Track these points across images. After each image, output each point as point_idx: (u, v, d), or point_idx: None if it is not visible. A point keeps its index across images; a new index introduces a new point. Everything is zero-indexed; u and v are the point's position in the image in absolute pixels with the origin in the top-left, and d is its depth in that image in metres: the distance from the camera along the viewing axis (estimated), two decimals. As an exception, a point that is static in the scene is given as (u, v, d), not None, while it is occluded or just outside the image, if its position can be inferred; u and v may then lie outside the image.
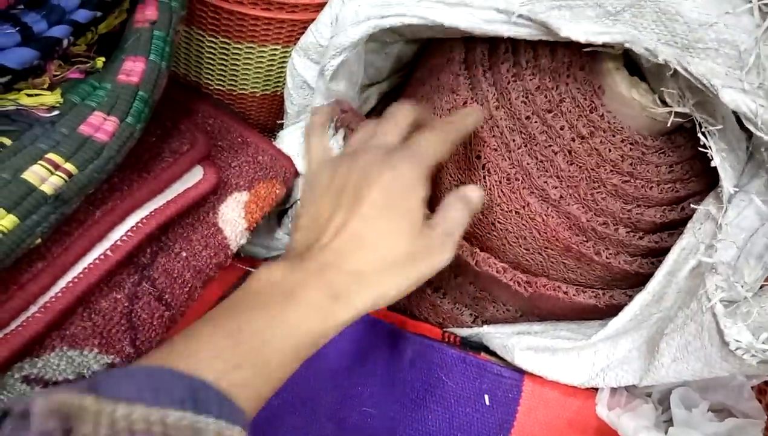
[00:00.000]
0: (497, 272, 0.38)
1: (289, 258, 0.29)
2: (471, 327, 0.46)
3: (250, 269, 0.51)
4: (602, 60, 0.39)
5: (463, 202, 0.33)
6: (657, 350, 0.35)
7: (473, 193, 0.34)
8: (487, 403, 0.43)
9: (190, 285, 0.37)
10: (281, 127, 0.52)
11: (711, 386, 0.37)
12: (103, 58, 0.36)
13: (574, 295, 0.38)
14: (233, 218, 0.41)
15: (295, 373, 0.28)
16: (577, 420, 0.41)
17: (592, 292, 0.38)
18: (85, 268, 0.32)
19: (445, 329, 0.47)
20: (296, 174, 0.48)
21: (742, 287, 0.34)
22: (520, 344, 0.41)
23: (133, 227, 0.35)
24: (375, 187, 0.29)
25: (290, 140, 0.49)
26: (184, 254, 0.38)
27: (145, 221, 0.35)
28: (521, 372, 0.43)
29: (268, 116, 0.55)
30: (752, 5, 0.34)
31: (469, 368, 0.44)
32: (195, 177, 0.40)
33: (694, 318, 0.34)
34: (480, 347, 0.45)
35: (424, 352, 0.45)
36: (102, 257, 0.33)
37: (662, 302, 0.37)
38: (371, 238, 0.29)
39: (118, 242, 0.34)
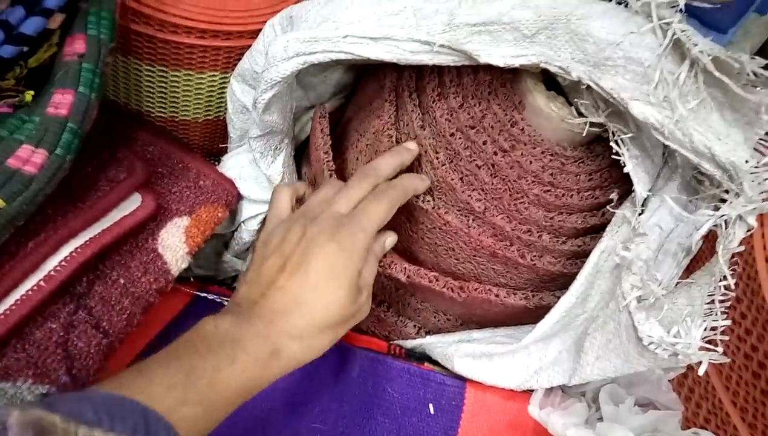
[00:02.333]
0: (429, 281, 0.40)
1: (236, 311, 0.32)
2: (415, 338, 0.47)
3: (199, 294, 0.51)
4: (522, 77, 0.41)
5: (375, 255, 0.37)
6: (582, 350, 0.37)
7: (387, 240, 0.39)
8: (432, 412, 0.44)
9: (128, 312, 0.38)
10: (225, 150, 0.53)
11: (635, 381, 0.39)
12: (32, 92, 0.36)
13: (505, 297, 0.40)
14: (173, 242, 0.42)
15: None
16: (517, 422, 0.42)
17: (522, 294, 0.40)
18: (17, 299, 0.32)
19: (390, 342, 0.48)
20: (239, 197, 0.49)
21: (658, 285, 0.36)
22: (458, 351, 0.42)
23: (66, 256, 0.35)
24: (319, 257, 0.33)
25: (233, 163, 0.50)
26: (121, 280, 0.38)
27: (79, 250, 0.36)
28: (463, 380, 0.44)
29: (212, 141, 0.56)
30: (653, 25, 0.36)
31: (414, 378, 0.45)
32: (133, 204, 0.41)
33: (612, 317, 0.36)
34: (424, 357, 0.46)
35: (370, 365, 0.46)
36: (35, 287, 0.33)
37: (587, 304, 0.39)
38: (310, 302, 0.32)
39: (52, 272, 0.34)
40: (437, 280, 0.40)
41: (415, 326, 0.47)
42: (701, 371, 0.32)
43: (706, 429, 0.35)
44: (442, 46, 0.37)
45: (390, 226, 0.38)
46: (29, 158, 0.33)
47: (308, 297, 0.32)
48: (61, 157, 0.34)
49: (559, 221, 0.40)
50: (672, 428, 0.35)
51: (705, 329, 0.33)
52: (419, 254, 0.42)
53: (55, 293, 0.34)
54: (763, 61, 0.33)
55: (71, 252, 0.35)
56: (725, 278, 0.34)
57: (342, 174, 0.46)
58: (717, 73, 0.34)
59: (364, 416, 0.45)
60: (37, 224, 0.35)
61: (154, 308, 0.41)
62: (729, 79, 0.34)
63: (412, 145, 0.40)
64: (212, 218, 0.46)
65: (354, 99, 0.50)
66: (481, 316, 0.43)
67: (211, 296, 0.51)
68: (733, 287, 0.34)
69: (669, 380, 0.38)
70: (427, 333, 0.47)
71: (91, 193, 0.39)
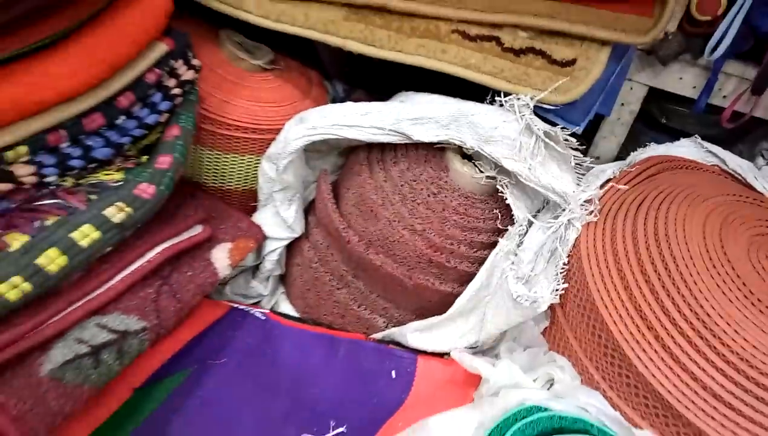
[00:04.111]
0: (391, 269, 0.60)
1: None
2: (384, 330, 0.67)
3: (234, 305, 0.72)
4: (446, 151, 0.65)
5: None
6: (485, 315, 0.57)
7: None
8: (394, 376, 0.62)
9: (192, 292, 0.59)
10: (255, 208, 0.76)
11: (520, 336, 0.58)
12: (147, 157, 0.60)
13: (439, 285, 0.60)
14: (221, 256, 0.64)
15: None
16: (452, 378, 0.60)
17: (449, 285, 0.61)
18: (129, 273, 0.54)
19: (367, 336, 0.67)
20: (264, 236, 0.72)
21: (531, 270, 0.57)
22: (409, 328, 0.62)
23: (158, 252, 0.57)
24: None
25: (260, 215, 0.73)
26: (189, 273, 0.60)
27: (166, 250, 0.58)
28: (416, 353, 0.63)
29: (247, 203, 0.79)
30: (516, 117, 0.61)
31: (382, 354, 0.64)
32: (196, 231, 0.63)
33: (501, 289, 0.56)
34: (390, 342, 0.66)
35: (351, 348, 0.65)
36: (140, 267, 0.55)
37: (489, 288, 0.59)
38: None
39: (149, 260, 0.56)
40: (396, 269, 0.61)
41: (384, 321, 0.67)
42: (544, 307, 0.52)
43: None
44: (391, 130, 0.62)
45: (381, 236, 0.60)
46: (146, 190, 0.56)
47: None
48: (163, 191, 0.57)
49: (471, 237, 0.62)
50: (540, 359, 0.54)
51: (553, 291, 0.54)
52: (389, 256, 0.63)
53: (153, 272, 0.56)
54: (566, 135, 0.57)
55: (162, 250, 0.57)
56: (566, 262, 0.55)
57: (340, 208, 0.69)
58: (548, 141, 0.57)
59: (348, 383, 0.63)
60: (142, 233, 0.57)
61: (204, 310, 0.62)
62: (555, 144, 0.57)
63: None
64: (247, 246, 0.68)
65: (343, 170, 0.75)
66: (425, 301, 0.63)
67: (242, 307, 0.71)
68: (567, 265, 0.55)
69: (541, 332, 0.57)
70: (393, 326, 0.66)
71: (175, 220, 0.62)
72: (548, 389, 0.52)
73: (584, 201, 0.57)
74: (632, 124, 0.80)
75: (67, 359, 0.46)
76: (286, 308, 0.77)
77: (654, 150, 0.70)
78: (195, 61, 0.65)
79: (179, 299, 0.57)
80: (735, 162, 0.68)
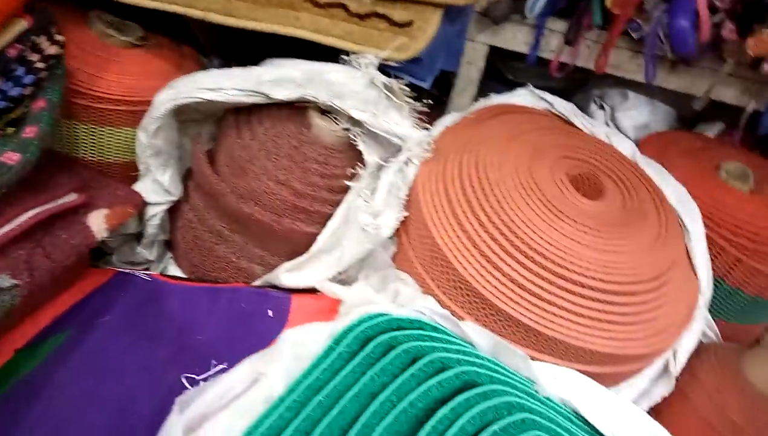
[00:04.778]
0: (261, 216, 0.66)
1: None
2: (262, 276, 0.73)
3: (121, 270, 0.75)
4: (307, 108, 0.72)
5: None
6: (343, 248, 0.64)
7: None
8: (271, 315, 0.68)
9: (67, 252, 0.62)
10: (136, 178, 0.80)
11: (374, 263, 0.66)
12: (14, 129, 0.63)
13: (306, 227, 0.67)
14: (97, 221, 0.68)
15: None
16: (321, 310, 0.67)
17: (314, 226, 0.67)
18: (3, 233, 0.57)
19: (247, 283, 0.73)
20: (144, 203, 0.76)
21: (380, 207, 0.65)
22: (281, 270, 0.68)
23: (31, 216, 0.60)
24: None
25: (140, 185, 0.77)
26: (64, 235, 0.63)
27: (37, 214, 0.61)
28: (291, 292, 0.70)
29: (128, 176, 0.83)
30: (362, 73, 0.68)
31: (259, 297, 0.70)
32: (71, 198, 0.67)
33: (353, 222, 0.64)
34: (269, 286, 0.72)
35: (232, 296, 0.71)
36: (13, 228, 0.58)
37: (347, 225, 0.66)
38: None
39: (20, 223, 0.59)
40: (266, 215, 0.66)
41: (262, 269, 0.73)
42: (388, 233, 0.59)
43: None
44: (252, 91, 0.68)
45: (250, 189, 0.65)
46: (11, 157, 0.59)
47: None
48: (29, 158, 0.60)
49: (331, 183, 0.69)
50: (389, 278, 0.62)
51: (395, 218, 0.62)
52: (262, 206, 0.69)
53: (25, 234, 0.59)
54: (403, 84, 0.65)
55: (33, 214, 0.61)
56: (406, 194, 0.63)
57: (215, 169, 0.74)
58: (388, 93, 0.65)
59: (233, 324, 0.69)
60: (13, 200, 0.60)
61: (89, 277, 0.66)
62: (394, 95, 0.65)
63: None
64: (125, 212, 0.72)
65: (218, 136, 0.80)
66: (297, 250, 0.70)
67: (127, 271, 0.75)
68: (407, 197, 0.63)
69: (390, 257, 0.65)
70: (270, 272, 0.72)
71: (47, 189, 0.65)
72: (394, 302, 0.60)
73: (421, 142, 0.66)
74: (483, 81, 0.90)
75: (-65, 310, 0.49)
76: (175, 271, 0.81)
77: (493, 100, 0.79)
78: (59, 37, 0.68)
79: (53, 260, 0.61)
80: (561, 105, 0.79)
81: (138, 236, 0.80)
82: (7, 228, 0.58)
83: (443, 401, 0.47)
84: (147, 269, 0.82)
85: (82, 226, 0.66)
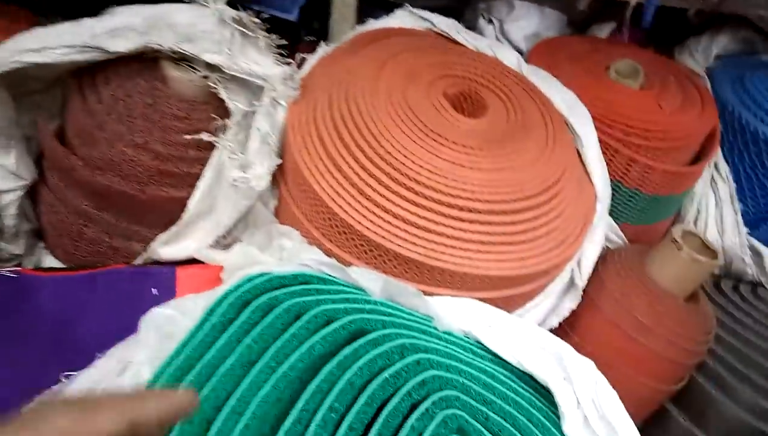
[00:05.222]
0: (121, 187, 0.59)
1: None
2: (142, 254, 0.66)
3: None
4: (159, 59, 0.63)
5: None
6: (217, 210, 0.58)
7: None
8: (156, 293, 0.63)
9: None
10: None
11: (254, 221, 0.61)
12: None
13: (175, 192, 0.60)
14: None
15: None
16: (207, 280, 0.62)
17: (185, 190, 0.61)
18: None
19: (128, 264, 0.66)
20: (-8, 192, 0.67)
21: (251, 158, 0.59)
22: (158, 242, 0.62)
23: None
24: None
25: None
26: None
27: None
28: (175, 265, 0.64)
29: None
30: (211, 11, 0.60)
31: (139, 275, 0.64)
32: None
33: (224, 180, 0.58)
34: (150, 263, 0.66)
35: (109, 279, 0.64)
36: None
37: (220, 184, 0.60)
38: None
39: None
40: (128, 185, 0.59)
41: (141, 245, 0.66)
42: (262, 185, 0.54)
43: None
44: (86, 46, 0.59)
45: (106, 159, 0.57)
46: None
47: None
48: None
49: (198, 140, 0.62)
50: (273, 235, 0.57)
51: (268, 168, 0.56)
52: (117, 173, 0.61)
53: None
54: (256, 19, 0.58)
55: None
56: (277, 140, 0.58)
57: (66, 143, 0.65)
58: (241, 28, 0.58)
59: (111, 313, 0.62)
60: None
61: None
62: (248, 30, 0.58)
63: None
64: (-33, 205, 0.63)
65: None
66: (172, 218, 0.63)
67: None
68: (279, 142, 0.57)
69: (272, 213, 0.60)
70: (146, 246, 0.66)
71: None
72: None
73: (285, 79, 0.59)
74: (364, 7, 0.83)
75: None
76: (51, 262, 0.73)
77: (371, 25, 0.73)
78: None
79: None
80: (442, 23, 0.74)
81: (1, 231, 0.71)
82: None
83: (331, 357, 0.44)
84: (18, 265, 0.73)
85: None
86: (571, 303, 0.64)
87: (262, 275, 0.51)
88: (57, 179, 0.66)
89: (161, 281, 0.63)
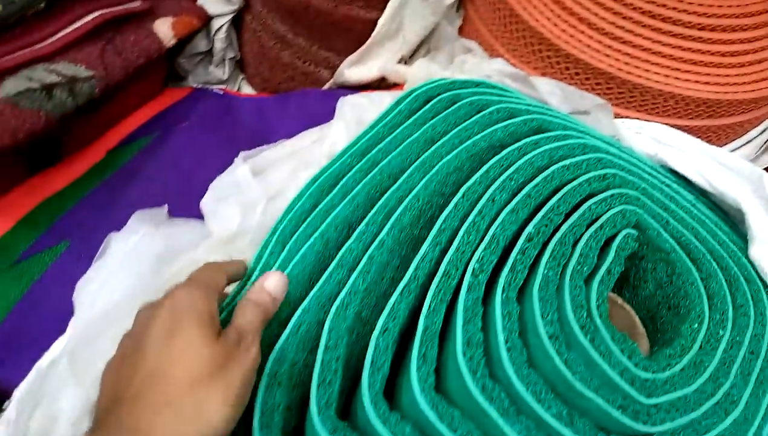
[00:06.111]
0: (318, 3, 0.63)
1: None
2: (330, 81, 0.71)
3: (194, 87, 0.77)
4: None
5: (255, 304, 0.31)
6: (404, 27, 0.60)
7: (270, 284, 0.33)
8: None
9: (137, 53, 0.64)
10: None
11: (438, 42, 0.62)
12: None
13: (366, 13, 0.63)
14: (163, 28, 0.68)
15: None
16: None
17: (375, 12, 0.63)
18: (74, 28, 0.59)
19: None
20: (207, 16, 0.75)
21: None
22: (346, 64, 0.66)
23: (96, 16, 0.61)
24: (157, 320, 0.28)
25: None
26: (133, 37, 0.64)
27: (104, 14, 0.62)
28: (359, 89, 0.68)
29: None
30: None
31: (326, 97, 0.69)
32: (135, 4, 0.67)
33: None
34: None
35: (300, 100, 0.71)
36: (83, 24, 0.60)
37: (408, 4, 0.62)
38: (164, 368, 0.27)
39: (87, 21, 0.61)
40: (323, 3, 0.64)
41: (328, 72, 0.71)
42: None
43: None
44: None
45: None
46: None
47: (161, 364, 0.27)
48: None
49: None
50: (456, 51, 0.58)
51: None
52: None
53: (96, 33, 0.60)
54: None
55: (99, 14, 0.62)
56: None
57: None
58: None
59: (298, 128, 0.69)
60: (78, 2, 0.61)
61: (168, 94, 0.68)
62: None
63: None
64: (190, 22, 0.72)
65: None
66: (358, 42, 0.67)
67: (201, 87, 0.77)
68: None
69: (456, 32, 0.61)
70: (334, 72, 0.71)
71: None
72: (461, 73, 0.56)
73: None
74: None
75: (19, 90, 0.52)
76: (248, 90, 0.82)
77: None
78: None
79: (125, 58, 0.63)
80: None
81: (209, 57, 0.80)
82: (76, 24, 0.60)
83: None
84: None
85: (149, 31, 0.67)
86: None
87: (445, 79, 0.52)
88: (260, 6, 0.73)
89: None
